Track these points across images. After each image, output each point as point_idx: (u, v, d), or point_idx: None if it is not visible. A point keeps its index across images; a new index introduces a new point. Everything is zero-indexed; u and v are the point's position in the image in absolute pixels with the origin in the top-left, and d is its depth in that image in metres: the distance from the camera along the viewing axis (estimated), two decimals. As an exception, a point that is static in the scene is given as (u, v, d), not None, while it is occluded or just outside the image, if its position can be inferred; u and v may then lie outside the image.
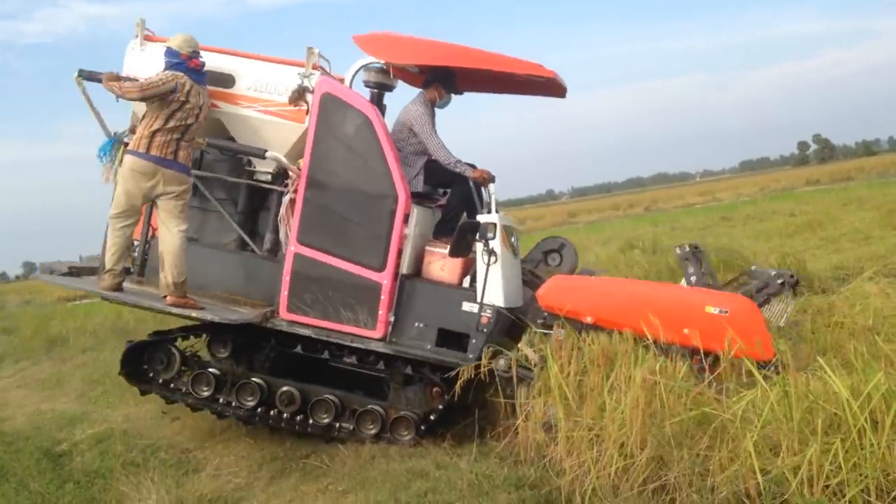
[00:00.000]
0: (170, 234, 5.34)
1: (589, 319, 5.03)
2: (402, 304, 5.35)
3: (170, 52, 5.37)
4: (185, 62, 5.35)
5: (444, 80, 5.95)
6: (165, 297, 5.30)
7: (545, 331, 5.12)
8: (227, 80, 5.69)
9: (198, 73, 5.44)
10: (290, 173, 5.49)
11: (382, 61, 5.68)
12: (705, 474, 3.54)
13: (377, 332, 5.31)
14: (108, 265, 5.39)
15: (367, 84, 5.85)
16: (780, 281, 5.51)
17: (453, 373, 5.07)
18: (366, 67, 5.78)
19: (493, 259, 5.18)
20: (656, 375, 3.77)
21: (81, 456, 5.93)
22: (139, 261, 5.97)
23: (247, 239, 6.00)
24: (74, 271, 6.04)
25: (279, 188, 5.68)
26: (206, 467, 5.58)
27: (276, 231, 5.87)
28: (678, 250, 5.98)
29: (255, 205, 6.07)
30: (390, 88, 6.00)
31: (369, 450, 5.32)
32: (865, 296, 5.44)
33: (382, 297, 5.27)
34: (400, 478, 4.63)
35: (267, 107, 5.58)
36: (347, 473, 5.04)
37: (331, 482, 4.96)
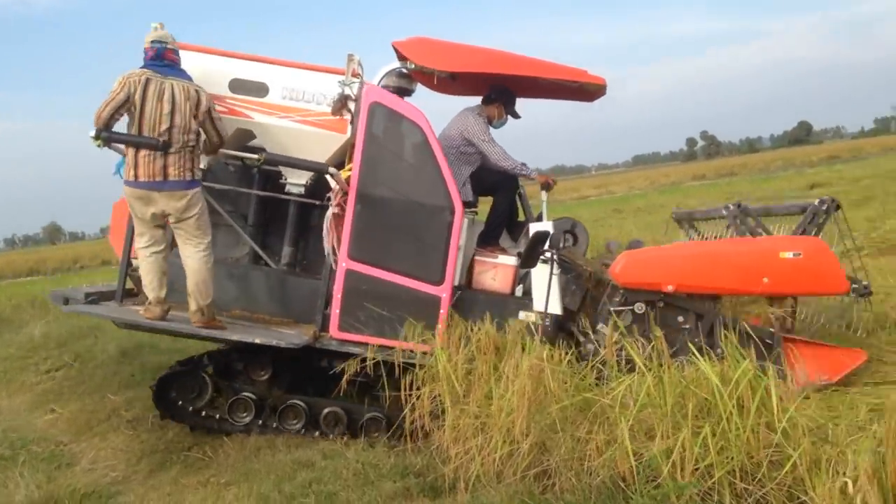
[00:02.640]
0: (187, 255, 5.03)
1: (670, 288, 5.05)
2: (459, 315, 5.16)
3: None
4: (146, 54, 4.91)
5: (507, 101, 5.93)
6: (194, 321, 5.02)
7: (625, 307, 5.09)
8: (259, 89, 5.31)
9: (171, 67, 4.96)
10: (334, 186, 5.17)
11: (426, 67, 5.41)
12: (584, 459, 3.61)
13: (434, 348, 5.07)
14: (149, 296, 5.05)
15: (386, 89, 5.54)
16: (824, 207, 5.61)
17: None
18: (389, 72, 5.58)
19: (555, 268, 5.10)
20: (543, 362, 3.81)
21: (-57, 452, 5.55)
22: (119, 286, 5.57)
23: (261, 253, 5.78)
24: (93, 298, 5.54)
25: (314, 201, 5.46)
26: (81, 461, 5.35)
27: (294, 244, 5.74)
28: (724, 210, 5.98)
29: (267, 217, 5.84)
30: (410, 93, 5.80)
31: (255, 441, 5.20)
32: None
33: (442, 311, 5.10)
34: (285, 468, 4.55)
35: (305, 116, 5.27)
36: (231, 465, 4.91)
37: (213, 474, 4.83)
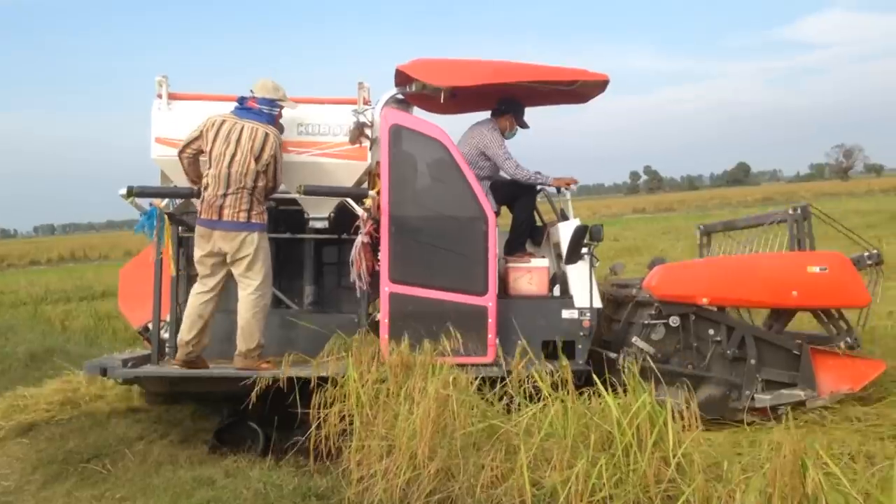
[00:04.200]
0: (240, 297, 5.04)
1: (705, 301, 5.19)
2: (501, 324, 5.18)
3: None
4: (238, 103, 5.11)
5: (516, 113, 5.99)
6: (235, 364, 5.03)
7: (660, 321, 5.21)
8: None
9: (248, 111, 5.05)
10: (361, 214, 5.13)
11: (437, 86, 5.41)
12: (488, 486, 3.57)
13: (489, 357, 5.10)
14: (179, 336, 5.06)
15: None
16: (799, 211, 5.74)
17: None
18: (387, 100, 5.57)
19: (596, 262, 5.27)
20: (449, 388, 3.77)
21: None
22: (154, 347, 5.40)
23: (282, 297, 5.73)
24: (132, 363, 5.34)
25: (334, 236, 5.52)
26: (-29, 468, 5.08)
27: (315, 282, 5.75)
28: (790, 211, 5.93)
29: (281, 259, 5.75)
30: None
31: (157, 455, 5.04)
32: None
33: (490, 320, 5.13)
34: (184, 486, 4.39)
35: (323, 150, 5.28)
36: (129, 480, 4.72)
37: (109, 488, 4.63)
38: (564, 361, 4.39)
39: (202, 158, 5.05)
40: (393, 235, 5.13)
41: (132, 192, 4.98)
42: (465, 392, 3.86)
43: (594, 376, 3.74)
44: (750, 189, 80.00)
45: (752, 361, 5.20)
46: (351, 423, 4.20)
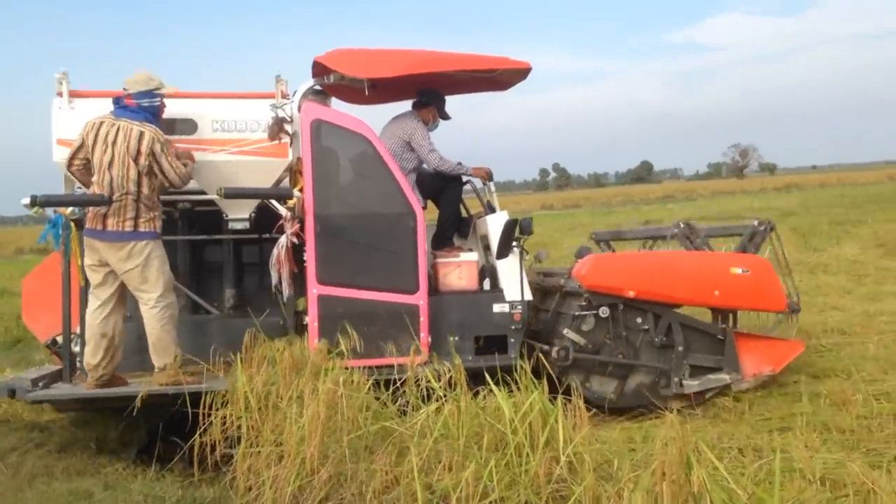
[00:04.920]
0: (143, 312, 4.74)
1: (631, 294, 5.24)
2: (432, 321, 5.09)
3: None
4: (114, 103, 4.76)
5: (438, 104, 5.91)
6: (157, 382, 4.73)
7: (589, 312, 5.22)
8: (188, 127, 4.94)
9: (125, 109, 4.69)
10: (285, 213, 4.94)
11: (357, 77, 5.26)
12: (381, 491, 3.46)
13: (422, 357, 4.98)
14: (86, 360, 4.77)
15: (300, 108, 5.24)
16: (763, 227, 5.83)
17: None
18: (304, 91, 5.31)
19: (525, 255, 5.26)
20: (339, 387, 3.63)
21: None
22: (65, 363, 5.02)
23: (200, 301, 5.40)
24: (43, 381, 4.92)
25: (255, 236, 5.31)
26: None
27: (236, 285, 5.51)
28: (675, 229, 6.11)
29: (197, 262, 5.49)
30: None
31: (32, 467, 4.68)
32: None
33: (422, 318, 5.04)
34: (59, 499, 4.10)
35: (241, 147, 5.00)
36: (0, 494, 4.38)
37: (-25, 503, 4.28)
38: (458, 358, 4.31)
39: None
40: (319, 235, 4.97)
41: (36, 203, 4.58)
42: (358, 393, 3.72)
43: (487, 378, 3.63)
44: (652, 187, 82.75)
45: (680, 348, 5.31)
46: (240, 429, 4.01)
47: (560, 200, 56.17)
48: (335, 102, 6.00)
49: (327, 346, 4.66)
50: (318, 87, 5.50)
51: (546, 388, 3.48)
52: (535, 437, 3.18)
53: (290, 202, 4.94)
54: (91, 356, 4.73)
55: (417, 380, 3.92)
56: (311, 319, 4.94)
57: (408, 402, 3.96)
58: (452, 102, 6.33)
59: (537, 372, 5.04)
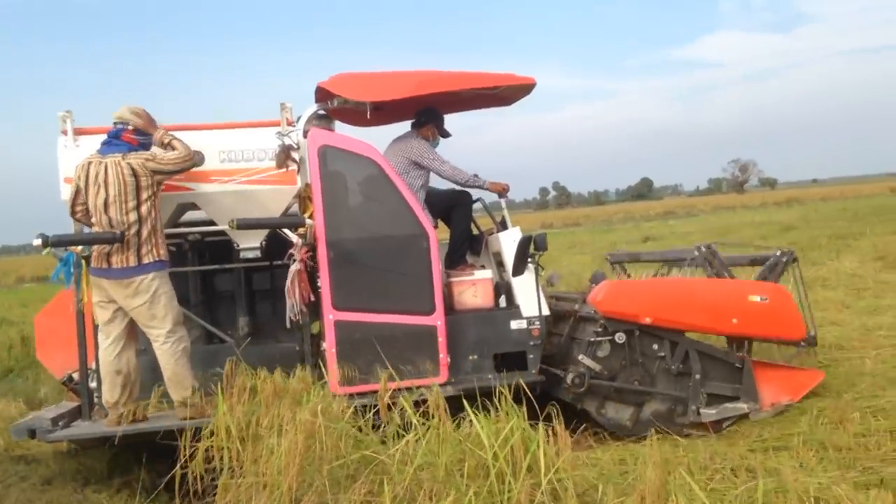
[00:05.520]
0: (155, 349, 4.69)
1: (648, 320, 5.15)
2: (450, 341, 5.05)
3: None
4: (108, 137, 4.73)
5: (437, 123, 5.87)
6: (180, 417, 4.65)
7: (604, 338, 5.17)
8: (196, 159, 4.88)
9: (109, 145, 4.67)
10: (296, 240, 4.92)
11: (361, 101, 5.26)
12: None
13: (441, 377, 4.97)
14: (104, 398, 4.76)
15: (306, 134, 5.22)
16: (785, 259, 5.76)
17: None
18: (308, 117, 5.31)
19: (540, 271, 5.25)
20: (318, 417, 3.55)
21: None
22: (84, 399, 4.95)
23: (215, 331, 5.37)
24: (63, 420, 4.87)
25: (267, 263, 5.25)
26: None
27: (250, 313, 5.48)
28: (696, 251, 6.05)
29: (209, 291, 5.48)
30: None
31: (15, 500, 4.58)
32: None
33: (440, 339, 5.00)
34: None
35: (249, 176, 4.97)
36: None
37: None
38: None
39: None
40: (332, 261, 4.94)
41: (48, 243, 4.54)
42: (337, 421, 3.64)
43: (465, 403, 3.55)
44: (652, 203, 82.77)
45: (697, 376, 5.22)
46: (222, 459, 3.93)
47: (560, 219, 56.22)
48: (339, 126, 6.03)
49: (317, 374, 4.59)
50: (321, 112, 5.51)
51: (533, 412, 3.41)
52: (518, 463, 3.10)
53: (301, 229, 4.93)
54: (109, 394, 4.70)
55: (391, 406, 3.83)
56: (329, 345, 4.91)
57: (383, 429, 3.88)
58: (452, 122, 6.33)
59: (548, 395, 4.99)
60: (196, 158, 4.76)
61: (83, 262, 4.78)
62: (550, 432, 3.27)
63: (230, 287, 5.58)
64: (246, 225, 4.89)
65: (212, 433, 3.86)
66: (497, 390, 3.57)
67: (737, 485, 3.70)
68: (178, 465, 3.94)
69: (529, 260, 5.17)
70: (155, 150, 4.80)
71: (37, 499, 4.70)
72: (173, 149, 4.70)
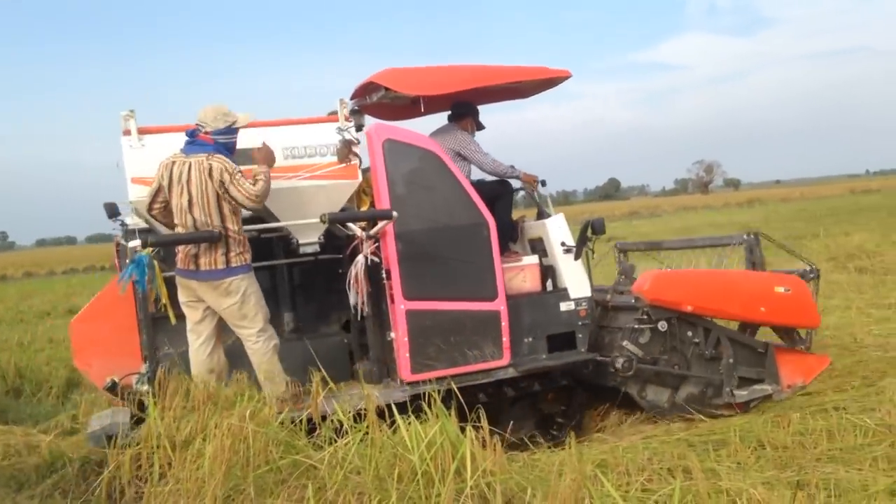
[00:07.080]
0: (247, 348, 4.68)
1: (689, 308, 5.42)
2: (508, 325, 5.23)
3: None
4: (188, 137, 4.62)
5: (475, 115, 6.07)
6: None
7: (648, 325, 5.37)
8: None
9: (193, 144, 4.58)
10: (360, 234, 4.95)
11: (414, 94, 5.37)
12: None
13: (504, 360, 5.18)
14: None
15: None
16: (812, 275, 6.11)
17: None
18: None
19: (592, 255, 5.53)
20: (246, 422, 3.49)
21: None
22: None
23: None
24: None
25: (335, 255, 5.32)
26: None
27: (294, 309, 5.54)
28: (745, 237, 6.29)
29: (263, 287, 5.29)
30: (362, 128, 5.47)
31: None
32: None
33: (503, 323, 5.16)
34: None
35: (312, 171, 5.03)
36: None
37: None
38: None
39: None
40: (402, 252, 5.02)
41: (148, 244, 4.41)
42: (267, 426, 3.57)
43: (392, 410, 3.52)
44: (618, 203, 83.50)
45: (731, 360, 5.52)
46: (152, 466, 3.84)
47: (529, 217, 56.43)
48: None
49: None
50: (355, 108, 5.57)
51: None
52: (446, 467, 3.07)
53: (362, 223, 5.02)
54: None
55: (325, 415, 3.78)
56: (402, 335, 4.97)
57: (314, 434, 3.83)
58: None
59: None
60: (262, 202, 4.71)
61: (155, 263, 4.60)
62: (477, 436, 3.24)
63: (273, 283, 5.58)
64: (336, 219, 4.97)
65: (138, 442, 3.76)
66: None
67: (673, 487, 3.70)
68: (107, 471, 3.86)
69: (587, 243, 5.49)
70: (236, 168, 4.64)
71: None
72: (256, 182, 4.59)
